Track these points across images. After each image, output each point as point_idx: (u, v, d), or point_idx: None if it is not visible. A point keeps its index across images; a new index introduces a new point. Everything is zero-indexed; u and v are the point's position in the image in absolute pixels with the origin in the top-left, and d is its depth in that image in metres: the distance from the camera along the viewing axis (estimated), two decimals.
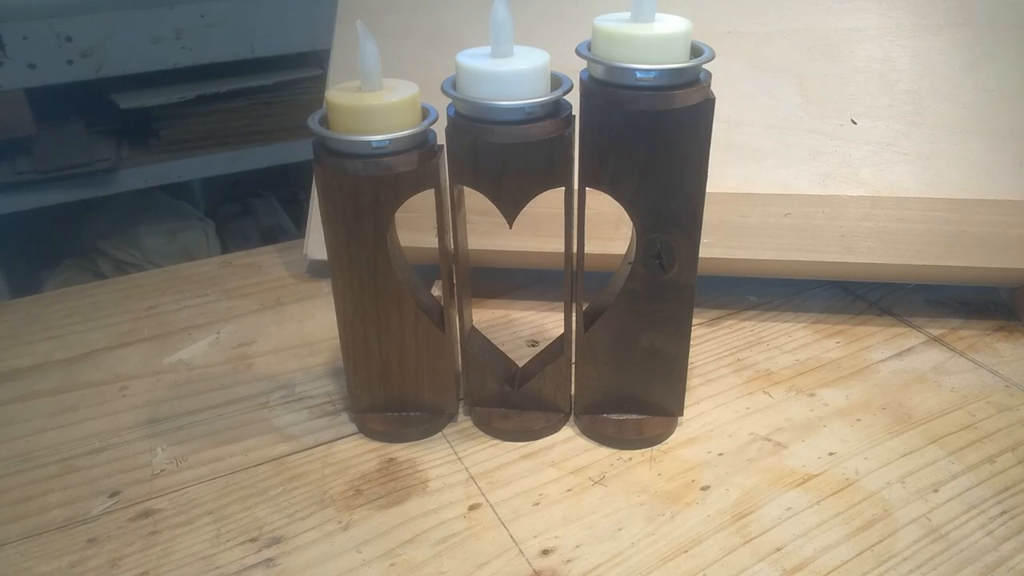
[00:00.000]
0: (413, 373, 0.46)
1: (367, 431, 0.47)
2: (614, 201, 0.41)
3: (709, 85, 0.39)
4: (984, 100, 0.56)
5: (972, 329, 0.57)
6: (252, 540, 0.40)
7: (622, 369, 0.46)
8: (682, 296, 0.43)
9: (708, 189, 0.41)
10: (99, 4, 1.15)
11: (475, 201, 0.43)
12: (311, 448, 0.47)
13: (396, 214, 0.43)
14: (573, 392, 0.47)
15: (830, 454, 0.45)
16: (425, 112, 0.42)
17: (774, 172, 0.55)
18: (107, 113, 1.23)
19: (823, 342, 0.56)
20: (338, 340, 0.46)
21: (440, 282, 0.45)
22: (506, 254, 0.58)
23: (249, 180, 1.49)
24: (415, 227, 0.50)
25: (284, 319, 0.59)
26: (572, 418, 0.48)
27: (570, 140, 0.40)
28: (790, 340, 0.56)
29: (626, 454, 0.46)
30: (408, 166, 0.40)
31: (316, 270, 0.65)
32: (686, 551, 0.39)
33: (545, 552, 0.39)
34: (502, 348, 0.51)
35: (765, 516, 0.41)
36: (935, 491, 0.43)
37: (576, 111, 0.41)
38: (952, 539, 0.40)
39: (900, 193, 0.54)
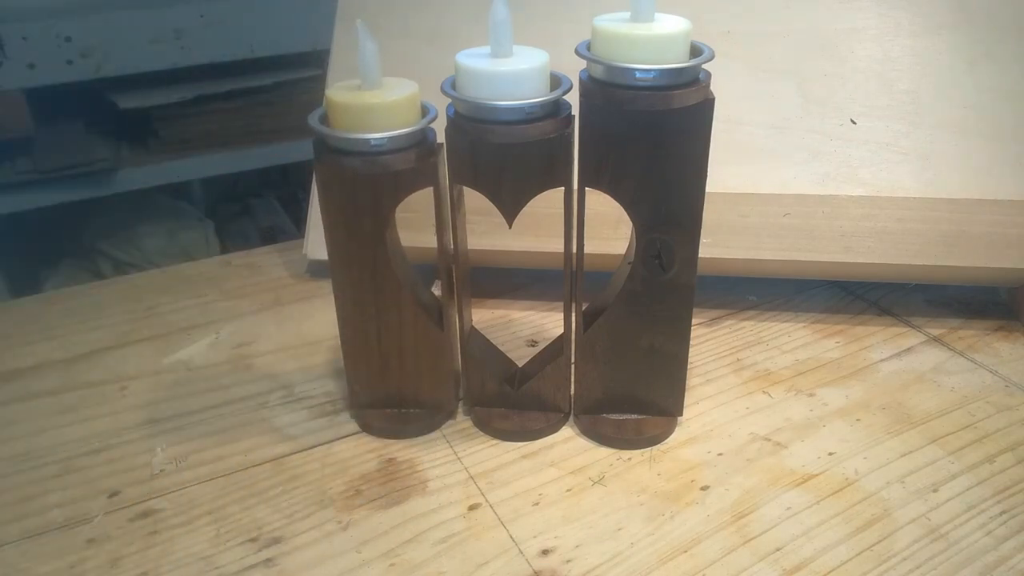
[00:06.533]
0: (412, 371, 0.46)
1: (366, 427, 0.47)
2: (614, 201, 0.41)
3: (709, 85, 0.39)
4: (984, 100, 0.56)
5: (972, 329, 0.57)
6: (252, 540, 0.40)
7: (622, 369, 0.46)
8: (682, 296, 0.43)
9: (708, 189, 0.41)
10: (99, 4, 1.15)
11: (475, 201, 0.43)
12: (311, 448, 0.47)
13: (396, 213, 0.43)
14: (573, 392, 0.47)
15: (830, 454, 0.45)
16: (424, 110, 0.42)
17: (774, 172, 0.55)
18: (107, 113, 1.23)
19: (823, 342, 0.56)
20: (338, 340, 0.46)
21: (440, 282, 0.45)
22: (506, 254, 0.58)
23: (249, 180, 1.49)
24: (415, 227, 0.50)
25: (284, 319, 0.59)
26: (572, 418, 0.48)
27: (570, 140, 0.41)
28: (790, 340, 0.56)
29: (626, 454, 0.46)
30: (406, 164, 0.40)
31: (316, 270, 0.65)
32: (686, 551, 0.39)
33: (545, 552, 0.39)
34: (502, 348, 0.51)
35: (765, 516, 0.41)
36: (935, 491, 0.43)
37: (576, 111, 0.41)
38: (952, 539, 0.40)
39: (900, 193, 0.54)
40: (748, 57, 0.58)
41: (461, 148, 0.41)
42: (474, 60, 0.39)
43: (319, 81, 1.27)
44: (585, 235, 0.43)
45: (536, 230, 0.55)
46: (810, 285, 0.62)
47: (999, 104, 0.56)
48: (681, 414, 0.47)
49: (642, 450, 0.46)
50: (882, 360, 0.54)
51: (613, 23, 0.39)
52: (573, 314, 0.45)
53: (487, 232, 0.56)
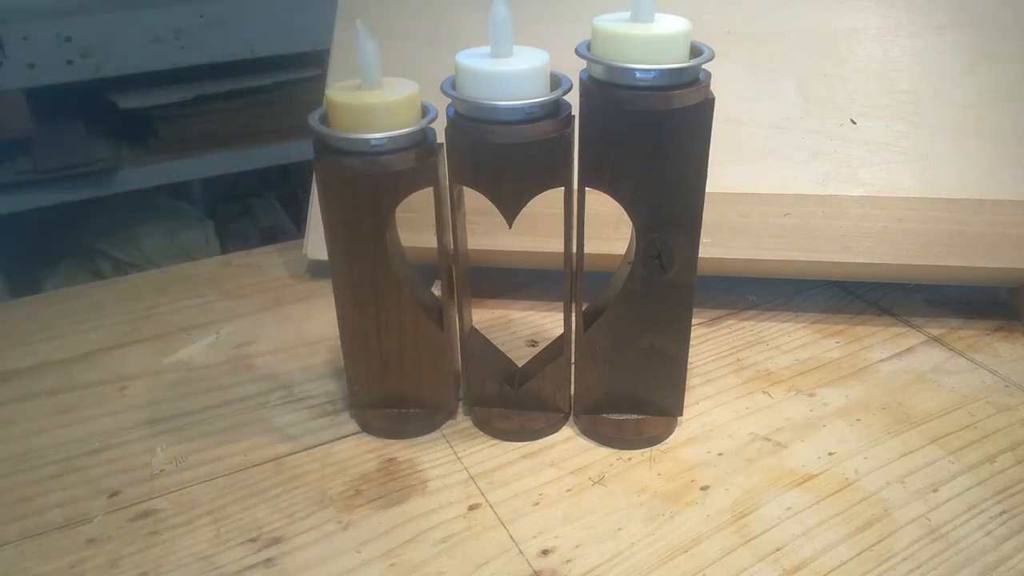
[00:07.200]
0: (412, 371, 0.46)
1: (366, 427, 0.47)
2: (614, 201, 0.41)
3: (709, 85, 0.39)
4: (984, 100, 0.56)
5: (972, 329, 0.57)
6: (252, 540, 0.40)
7: (622, 369, 0.46)
8: (682, 296, 0.43)
9: (708, 189, 0.41)
10: (99, 4, 1.15)
11: (475, 201, 0.43)
12: (311, 448, 0.47)
13: (396, 214, 0.43)
14: (573, 392, 0.47)
15: (830, 454, 0.45)
16: (424, 110, 0.42)
17: (774, 172, 0.55)
18: (107, 113, 1.23)
19: (823, 342, 0.56)
20: (338, 340, 0.46)
21: (440, 282, 0.46)
22: (506, 254, 0.58)
23: (249, 180, 1.49)
24: (415, 227, 0.50)
25: (284, 319, 0.59)
26: (572, 418, 0.48)
27: (570, 140, 0.41)
28: (790, 340, 0.56)
29: (626, 454, 0.46)
30: (406, 164, 0.40)
31: (316, 270, 0.65)
32: (686, 551, 0.39)
33: (545, 552, 0.39)
34: (502, 348, 0.51)
35: (765, 516, 0.41)
36: (935, 491, 0.43)
37: (576, 111, 0.41)
38: (952, 539, 0.40)
39: (900, 193, 0.54)
40: (748, 57, 0.58)
41: (461, 148, 0.41)
42: (474, 60, 0.39)
43: (319, 81, 1.27)
44: (585, 235, 0.43)
45: (536, 230, 0.55)
46: (810, 285, 0.62)
47: (999, 104, 0.56)
48: (681, 414, 0.47)
49: (642, 450, 0.46)
50: (882, 360, 0.54)
51: (613, 23, 0.39)
52: (573, 314, 0.45)
53: (487, 232, 0.56)
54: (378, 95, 0.40)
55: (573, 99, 0.41)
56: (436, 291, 0.48)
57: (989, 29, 0.57)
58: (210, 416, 0.49)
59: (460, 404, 0.49)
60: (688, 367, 0.47)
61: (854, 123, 0.56)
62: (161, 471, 0.45)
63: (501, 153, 0.40)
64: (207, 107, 1.25)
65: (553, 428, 0.47)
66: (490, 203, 0.42)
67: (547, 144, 0.40)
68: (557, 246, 0.44)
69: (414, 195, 0.41)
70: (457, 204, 0.43)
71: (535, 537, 0.40)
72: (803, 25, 0.59)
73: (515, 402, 0.48)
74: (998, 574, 0.38)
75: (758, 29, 0.59)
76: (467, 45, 0.41)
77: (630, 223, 0.42)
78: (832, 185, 0.55)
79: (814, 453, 0.45)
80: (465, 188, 0.43)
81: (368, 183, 0.40)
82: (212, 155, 1.27)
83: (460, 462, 0.45)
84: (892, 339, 0.56)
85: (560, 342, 0.47)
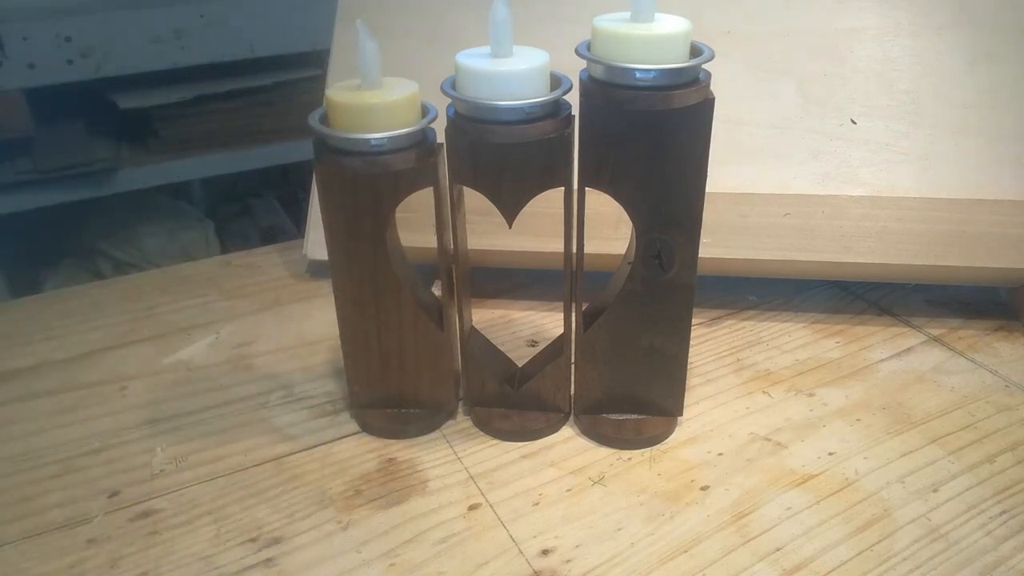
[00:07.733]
0: (412, 371, 0.46)
1: (366, 427, 0.47)
2: (614, 201, 0.41)
3: (709, 85, 0.39)
4: (984, 100, 0.56)
5: (972, 329, 0.57)
6: (252, 540, 0.40)
7: (622, 369, 0.46)
8: (682, 296, 0.43)
9: (708, 189, 0.41)
10: (99, 4, 1.15)
11: (475, 201, 0.43)
12: (311, 448, 0.47)
13: (396, 214, 0.43)
14: (573, 392, 0.47)
15: (830, 454, 0.45)
16: (425, 110, 0.42)
17: (774, 172, 0.55)
18: (107, 113, 1.23)
19: (823, 342, 0.56)
20: (338, 340, 0.46)
21: (440, 282, 0.46)
22: (506, 254, 0.58)
23: (249, 180, 1.49)
24: (415, 227, 0.50)
25: (284, 319, 0.59)
26: (572, 418, 0.48)
27: (570, 140, 0.41)
28: (790, 340, 0.56)
29: (626, 454, 0.46)
30: (406, 164, 0.40)
31: (316, 270, 0.65)
32: (686, 551, 0.39)
33: (545, 552, 0.39)
34: (502, 348, 0.51)
35: (765, 516, 0.41)
36: (935, 491, 0.43)
37: (576, 111, 0.41)
38: (952, 539, 0.40)
39: (900, 193, 0.54)
40: (748, 57, 0.58)
41: (461, 148, 0.41)
42: (474, 60, 0.39)
43: (319, 81, 1.26)
44: (585, 235, 0.43)
45: (536, 230, 0.55)
46: (810, 285, 0.62)
47: (999, 104, 0.56)
48: (681, 414, 0.47)
49: (642, 450, 0.46)
50: (882, 360, 0.54)
51: (613, 23, 0.39)
52: (573, 314, 0.45)
53: (487, 232, 0.56)
54: (378, 95, 0.40)
55: (573, 99, 0.41)
56: (436, 291, 0.48)
57: (989, 29, 0.57)
58: (210, 416, 0.49)
59: (460, 404, 0.49)
60: (688, 367, 0.47)
61: (854, 123, 0.56)
62: (161, 471, 0.45)
63: (501, 153, 0.40)
64: (207, 107, 1.26)
65: (553, 428, 0.47)
66: (490, 203, 0.42)
67: (547, 144, 0.40)
68: (557, 246, 0.44)
69: (414, 195, 0.41)
70: (457, 204, 0.43)
71: (535, 537, 0.40)
72: (803, 25, 0.59)
73: (515, 402, 0.48)
74: (998, 574, 0.38)
75: (758, 29, 0.59)
76: (467, 45, 0.41)
77: (630, 223, 0.42)
78: (832, 185, 0.55)
79: (814, 453, 0.45)
80: (465, 188, 0.43)
81: (368, 183, 0.40)
82: (212, 155, 1.27)
83: (460, 462, 0.45)
84: (892, 339, 0.56)
85: (560, 342, 0.47)
